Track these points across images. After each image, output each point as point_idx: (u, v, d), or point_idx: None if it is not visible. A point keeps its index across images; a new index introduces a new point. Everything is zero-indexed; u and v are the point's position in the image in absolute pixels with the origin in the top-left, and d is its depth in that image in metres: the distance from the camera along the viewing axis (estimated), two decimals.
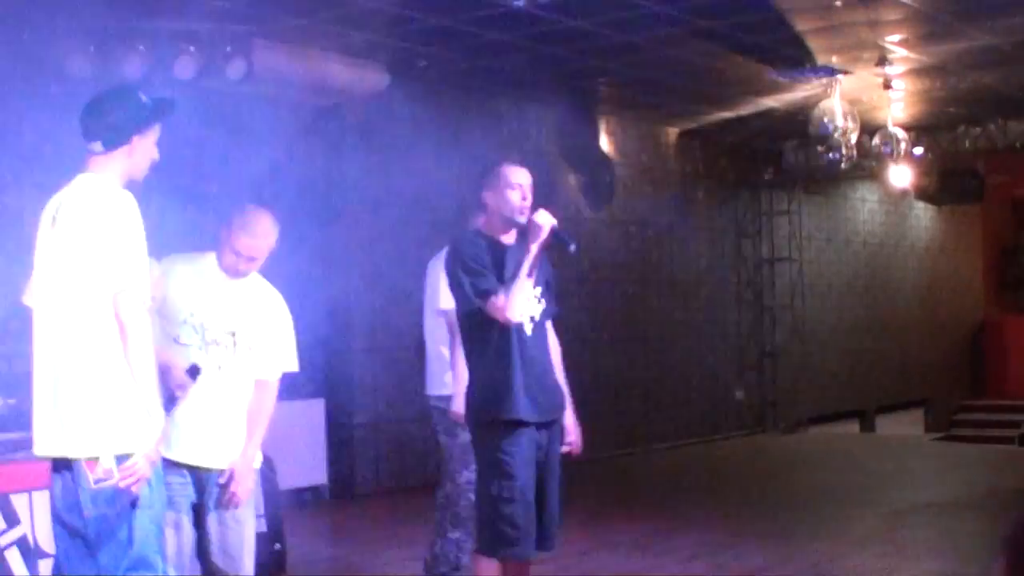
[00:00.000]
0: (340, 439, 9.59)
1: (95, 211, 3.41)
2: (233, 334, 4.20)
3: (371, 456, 9.78)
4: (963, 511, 8.68)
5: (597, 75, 10.61)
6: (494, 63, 9.76)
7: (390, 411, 9.82)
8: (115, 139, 3.50)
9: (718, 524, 7.97)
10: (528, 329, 4.51)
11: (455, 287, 4.58)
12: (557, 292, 4.78)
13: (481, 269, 4.48)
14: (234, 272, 4.22)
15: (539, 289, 4.57)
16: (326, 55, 8.84)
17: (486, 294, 4.43)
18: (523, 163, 4.85)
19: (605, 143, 12.38)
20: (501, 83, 10.53)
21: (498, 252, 4.55)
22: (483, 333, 4.50)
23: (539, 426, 4.51)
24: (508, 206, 4.63)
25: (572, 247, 4.49)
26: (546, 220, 4.48)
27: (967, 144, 13.18)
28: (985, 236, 19.95)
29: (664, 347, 13.05)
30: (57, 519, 3.50)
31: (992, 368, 19.29)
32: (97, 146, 3.50)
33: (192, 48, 7.84)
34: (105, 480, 3.38)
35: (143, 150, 3.56)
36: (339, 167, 9.62)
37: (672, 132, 13.40)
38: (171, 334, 4.12)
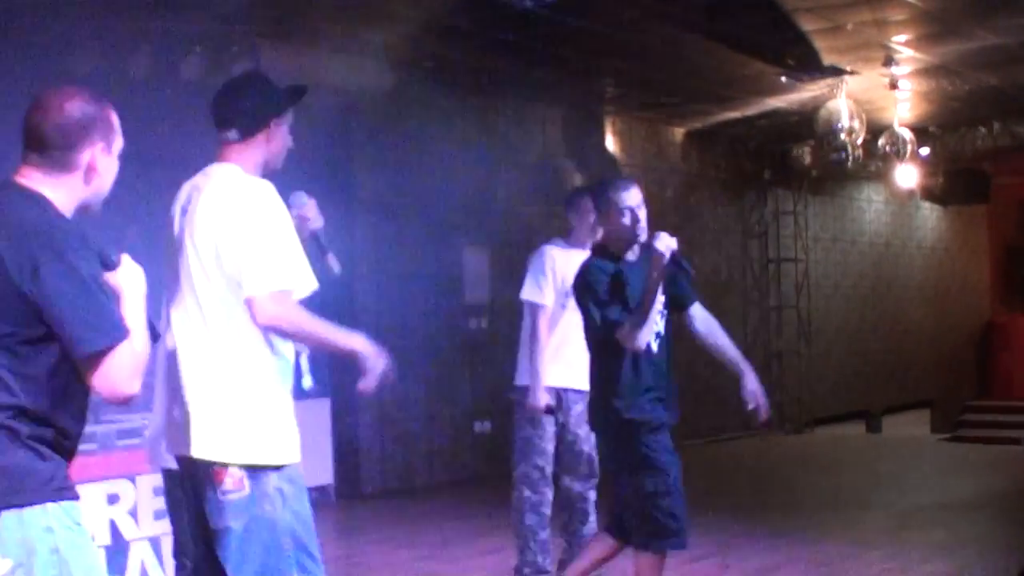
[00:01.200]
0: (346, 439, 9.59)
1: (242, 202, 3.24)
2: None
3: (377, 456, 9.78)
4: (970, 512, 8.66)
5: (603, 75, 10.61)
6: (500, 63, 9.76)
7: (397, 411, 9.82)
8: (252, 125, 3.37)
9: (724, 524, 7.95)
10: (654, 346, 4.70)
11: (585, 314, 4.78)
12: None
13: (608, 300, 4.66)
14: None
15: (661, 302, 4.69)
16: (332, 55, 8.85)
17: (614, 325, 4.62)
18: (631, 181, 5.00)
19: (611, 143, 12.38)
20: (507, 83, 10.53)
21: (621, 273, 4.70)
22: (611, 351, 4.68)
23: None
24: (624, 230, 4.76)
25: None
26: (666, 246, 4.58)
27: (973, 144, 13.17)
28: (991, 236, 19.92)
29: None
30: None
31: (999, 368, 19.25)
32: (232, 134, 3.36)
33: (198, 48, 7.85)
34: (235, 492, 3.23)
35: (280, 136, 3.43)
36: (345, 167, 9.62)
37: (678, 132, 13.39)
38: None
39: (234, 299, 3.23)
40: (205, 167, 3.44)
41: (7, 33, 7.17)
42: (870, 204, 17.12)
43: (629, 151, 12.62)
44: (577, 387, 5.69)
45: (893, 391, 17.24)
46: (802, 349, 15.09)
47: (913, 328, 17.92)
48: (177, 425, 3.34)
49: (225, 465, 3.23)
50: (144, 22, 7.54)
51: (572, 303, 5.21)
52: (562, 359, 5.79)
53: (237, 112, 3.38)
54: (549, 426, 5.89)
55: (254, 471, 3.24)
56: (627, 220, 4.73)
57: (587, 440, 5.78)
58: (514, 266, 11.32)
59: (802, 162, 14.19)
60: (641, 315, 4.55)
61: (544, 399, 5.78)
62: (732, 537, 7.64)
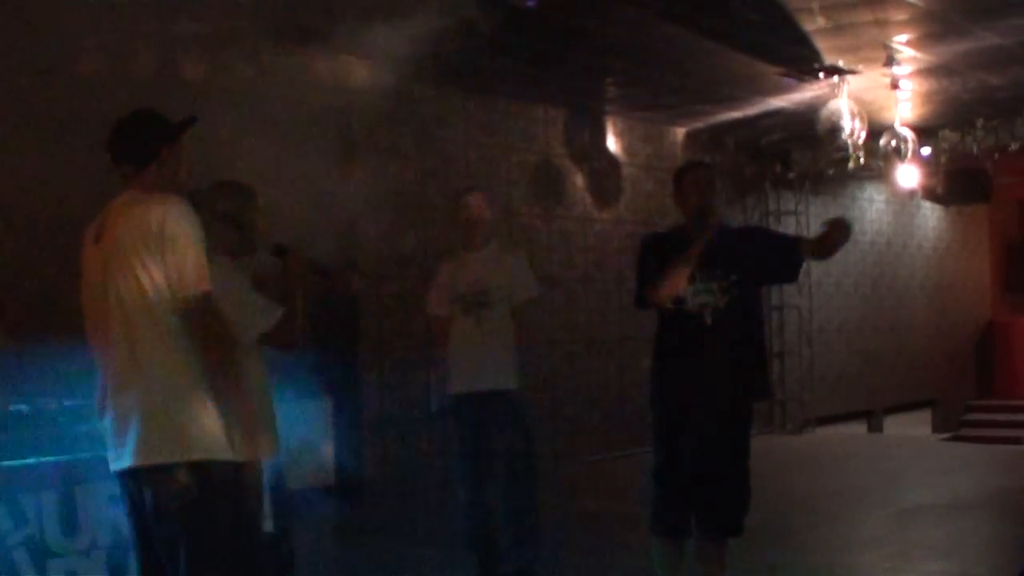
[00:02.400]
0: (348, 438, 9.58)
1: (161, 217, 3.43)
2: None
3: (379, 456, 9.78)
4: (971, 511, 8.66)
5: (604, 75, 10.61)
6: (501, 62, 9.76)
7: (398, 410, 9.82)
8: (144, 155, 3.61)
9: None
10: (708, 319, 4.84)
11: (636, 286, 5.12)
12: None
13: (644, 271, 4.99)
14: None
15: (722, 282, 4.85)
16: (332, 55, 8.84)
17: (641, 289, 5.01)
18: (698, 164, 5.50)
19: (612, 143, 12.38)
20: (508, 82, 10.53)
21: (683, 247, 4.94)
22: (659, 326, 5.04)
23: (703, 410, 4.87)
24: (686, 207, 5.04)
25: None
26: (715, 223, 4.92)
27: (974, 144, 13.16)
28: (993, 236, 19.91)
29: None
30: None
31: (1000, 368, 19.24)
32: (128, 168, 3.61)
33: (200, 48, 7.85)
34: (181, 495, 3.34)
35: (172, 164, 3.67)
36: (347, 167, 9.62)
37: (679, 132, 13.39)
38: None
39: (160, 304, 3.40)
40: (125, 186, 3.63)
41: (7, 33, 7.17)
42: (871, 204, 17.11)
43: (630, 151, 12.62)
44: None
45: (894, 391, 17.23)
46: (803, 349, 15.09)
47: (914, 328, 17.91)
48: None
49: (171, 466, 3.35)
50: (146, 22, 7.54)
51: None
52: None
53: (128, 149, 3.63)
54: None
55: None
56: (691, 195, 5.02)
57: None
58: None
59: (803, 162, 14.19)
60: (668, 268, 4.82)
61: None
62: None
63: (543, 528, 5.99)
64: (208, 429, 3.40)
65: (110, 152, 3.64)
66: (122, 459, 3.43)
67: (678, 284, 4.84)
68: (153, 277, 3.40)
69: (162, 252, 3.38)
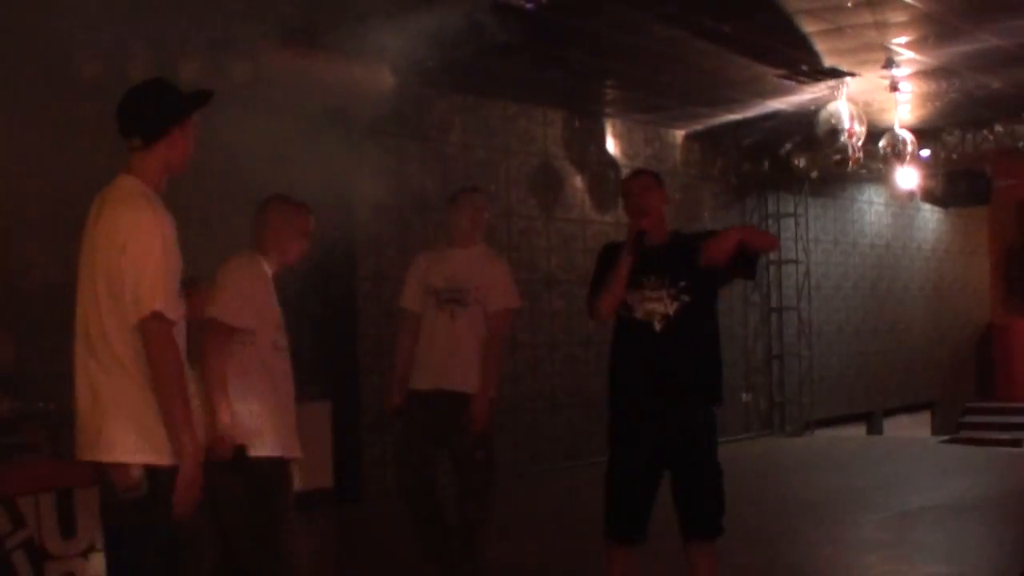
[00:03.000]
0: (347, 442, 9.58)
1: (129, 227, 3.34)
2: None
3: (378, 459, 9.77)
4: (971, 513, 8.66)
5: (603, 77, 10.61)
6: (501, 64, 9.76)
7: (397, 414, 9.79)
8: (154, 132, 3.41)
9: (725, 526, 7.94)
10: (657, 327, 4.78)
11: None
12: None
13: (593, 282, 5.00)
14: None
15: (671, 288, 4.79)
16: (332, 55, 8.84)
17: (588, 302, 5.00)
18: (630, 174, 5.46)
19: (612, 145, 12.38)
20: (508, 84, 10.53)
21: (613, 252, 4.97)
22: (613, 334, 4.97)
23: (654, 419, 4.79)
24: (629, 216, 5.09)
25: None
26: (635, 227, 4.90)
27: (974, 146, 13.16)
28: (992, 238, 19.90)
29: None
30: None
31: (1000, 370, 19.23)
32: (136, 142, 3.42)
33: (198, 50, 7.84)
34: (132, 491, 3.33)
35: (182, 141, 3.48)
36: (346, 169, 9.61)
37: (678, 134, 13.39)
38: None
39: (125, 316, 3.33)
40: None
41: (8, 33, 7.17)
42: (871, 206, 17.11)
43: (629, 153, 12.62)
44: None
45: (894, 393, 17.23)
46: (803, 351, 15.09)
47: (914, 330, 17.91)
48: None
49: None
50: (143, 23, 7.53)
51: None
52: None
53: (139, 119, 3.42)
54: None
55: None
56: (628, 204, 5.08)
57: None
58: (515, 268, 11.34)
59: (802, 164, 14.18)
60: (599, 288, 4.87)
61: None
62: (732, 539, 7.62)
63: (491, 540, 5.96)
64: (159, 434, 3.34)
65: (118, 122, 3.45)
66: (81, 450, 3.44)
67: (613, 296, 4.83)
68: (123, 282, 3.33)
69: (121, 264, 3.30)
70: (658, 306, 4.77)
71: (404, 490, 5.80)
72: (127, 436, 3.32)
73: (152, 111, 3.43)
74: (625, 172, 12.39)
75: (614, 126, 12.42)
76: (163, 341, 3.32)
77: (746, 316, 14.51)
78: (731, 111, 12.23)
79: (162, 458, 3.32)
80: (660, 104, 11.80)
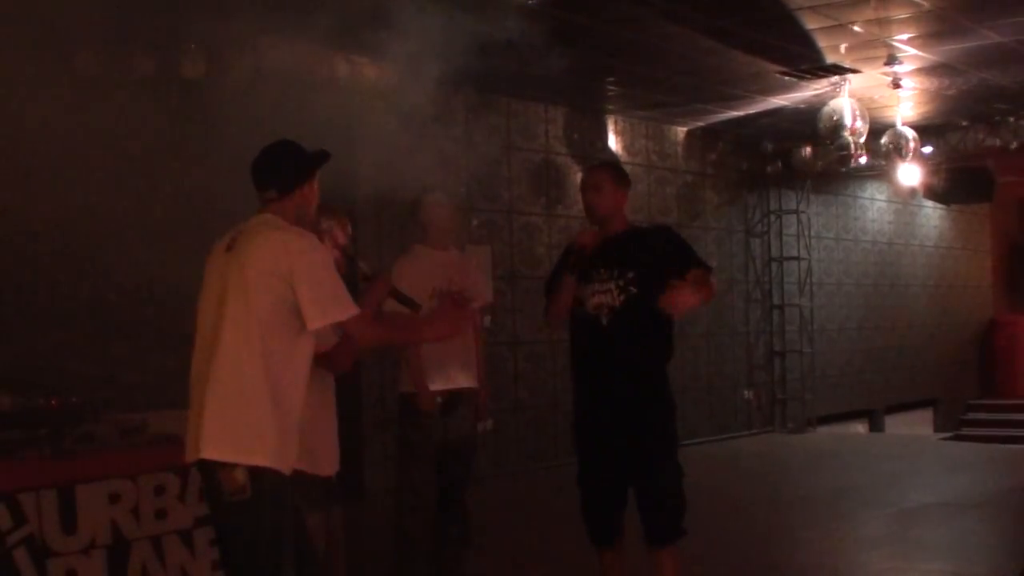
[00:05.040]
0: (348, 439, 9.57)
1: (296, 246, 3.71)
2: None
3: (379, 456, 9.78)
4: (972, 511, 8.66)
5: (605, 74, 10.60)
6: (502, 61, 9.75)
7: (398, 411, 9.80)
8: (289, 186, 3.88)
9: (726, 524, 7.95)
10: (604, 320, 4.75)
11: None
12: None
13: (549, 280, 5.08)
14: None
15: (619, 281, 4.75)
16: (333, 54, 8.84)
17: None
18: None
19: (613, 142, 12.37)
20: (509, 81, 10.52)
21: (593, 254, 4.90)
22: (569, 328, 4.96)
23: (609, 417, 4.75)
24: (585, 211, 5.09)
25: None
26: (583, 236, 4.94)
27: (976, 143, 13.15)
28: (994, 235, 19.90)
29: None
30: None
31: (1001, 367, 19.23)
32: (272, 194, 3.87)
33: (199, 47, 7.84)
34: (238, 494, 3.60)
35: (311, 193, 3.97)
36: (347, 168, 9.61)
37: (680, 131, 13.39)
38: None
39: (278, 322, 3.67)
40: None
41: (9, 32, 7.17)
42: (873, 203, 17.11)
43: (631, 150, 12.62)
44: None
45: (896, 390, 17.23)
46: (804, 348, 15.09)
47: (916, 327, 17.91)
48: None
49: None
50: (145, 20, 7.53)
51: None
52: None
53: (275, 177, 3.90)
54: None
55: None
56: (584, 197, 5.04)
57: None
58: (517, 265, 11.36)
59: (805, 161, 14.18)
60: (549, 294, 4.96)
61: None
62: (733, 536, 7.64)
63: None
64: (269, 438, 3.63)
65: (255, 176, 3.90)
66: (191, 451, 3.70)
67: (557, 308, 4.89)
68: (271, 297, 3.65)
69: (293, 283, 3.64)
70: (606, 298, 4.75)
71: (408, 507, 5.91)
72: (233, 437, 3.61)
73: (289, 169, 3.91)
74: (627, 168, 12.38)
75: (616, 123, 12.42)
76: (368, 330, 3.89)
77: (748, 313, 14.51)
78: (733, 108, 12.22)
79: (265, 460, 3.61)
80: (662, 101, 11.79)
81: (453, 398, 5.80)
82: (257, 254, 3.70)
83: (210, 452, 3.61)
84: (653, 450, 4.74)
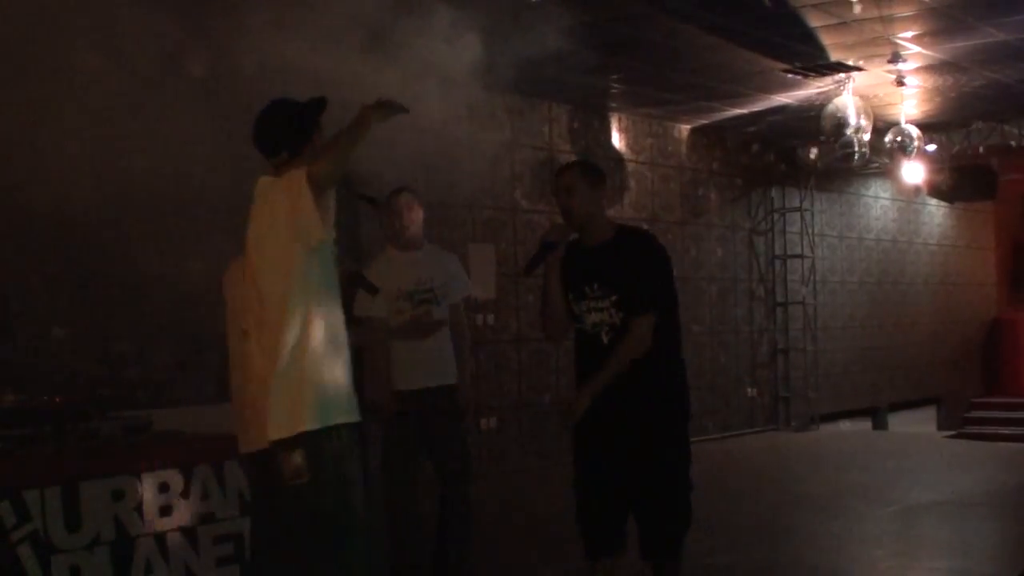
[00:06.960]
0: None
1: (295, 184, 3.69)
2: None
3: (378, 455, 9.76)
4: (976, 509, 8.65)
5: (609, 71, 10.59)
6: (504, 59, 9.74)
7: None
8: (298, 145, 3.83)
9: (729, 521, 7.95)
10: (605, 339, 4.49)
11: None
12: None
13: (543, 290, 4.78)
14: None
15: (612, 297, 4.46)
16: (334, 52, 8.83)
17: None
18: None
19: (617, 140, 12.37)
20: (513, 79, 10.51)
21: (575, 259, 4.63)
22: (574, 344, 4.69)
23: (611, 433, 4.51)
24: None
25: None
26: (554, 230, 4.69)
27: (980, 141, 13.14)
28: (998, 233, 19.89)
29: None
30: None
31: (1005, 365, 19.22)
32: (283, 156, 3.82)
33: (205, 44, 7.83)
34: (297, 477, 3.66)
35: (319, 142, 3.88)
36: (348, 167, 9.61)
37: (684, 129, 13.38)
38: None
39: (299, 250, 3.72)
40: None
41: (9, 32, 7.18)
42: (876, 201, 17.10)
43: (635, 148, 12.62)
44: None
45: (899, 388, 17.22)
46: (808, 345, 15.09)
47: (919, 325, 17.90)
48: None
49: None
50: (149, 17, 7.53)
51: None
52: None
53: (281, 139, 3.84)
54: None
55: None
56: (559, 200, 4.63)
57: None
58: (520, 263, 11.35)
59: (808, 158, 14.18)
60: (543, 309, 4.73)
61: None
62: (737, 533, 7.64)
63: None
64: (309, 405, 3.67)
65: (261, 145, 3.84)
66: (248, 443, 3.85)
67: (552, 320, 4.65)
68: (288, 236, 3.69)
69: (292, 199, 3.63)
70: (604, 316, 4.47)
71: (389, 504, 5.94)
72: (282, 413, 3.63)
73: (292, 128, 3.84)
74: (630, 166, 12.40)
75: (619, 120, 12.42)
76: (320, 161, 3.77)
77: (751, 310, 14.51)
78: (737, 105, 12.22)
79: (314, 423, 3.64)
80: (666, 98, 11.79)
81: (423, 396, 5.77)
82: (266, 209, 3.78)
83: (276, 433, 3.65)
84: (662, 463, 4.52)
